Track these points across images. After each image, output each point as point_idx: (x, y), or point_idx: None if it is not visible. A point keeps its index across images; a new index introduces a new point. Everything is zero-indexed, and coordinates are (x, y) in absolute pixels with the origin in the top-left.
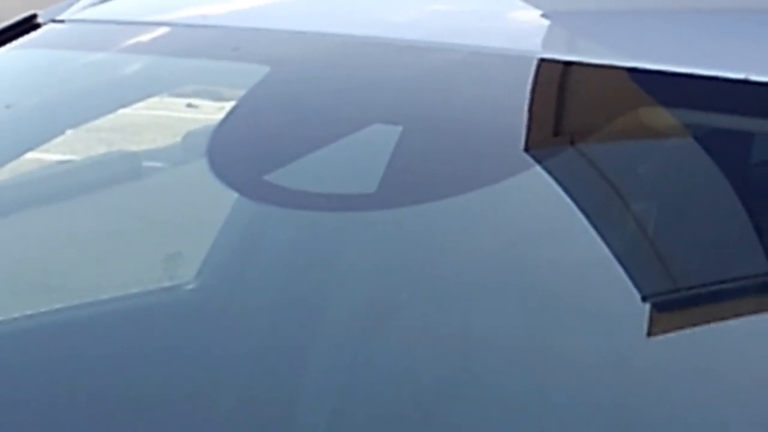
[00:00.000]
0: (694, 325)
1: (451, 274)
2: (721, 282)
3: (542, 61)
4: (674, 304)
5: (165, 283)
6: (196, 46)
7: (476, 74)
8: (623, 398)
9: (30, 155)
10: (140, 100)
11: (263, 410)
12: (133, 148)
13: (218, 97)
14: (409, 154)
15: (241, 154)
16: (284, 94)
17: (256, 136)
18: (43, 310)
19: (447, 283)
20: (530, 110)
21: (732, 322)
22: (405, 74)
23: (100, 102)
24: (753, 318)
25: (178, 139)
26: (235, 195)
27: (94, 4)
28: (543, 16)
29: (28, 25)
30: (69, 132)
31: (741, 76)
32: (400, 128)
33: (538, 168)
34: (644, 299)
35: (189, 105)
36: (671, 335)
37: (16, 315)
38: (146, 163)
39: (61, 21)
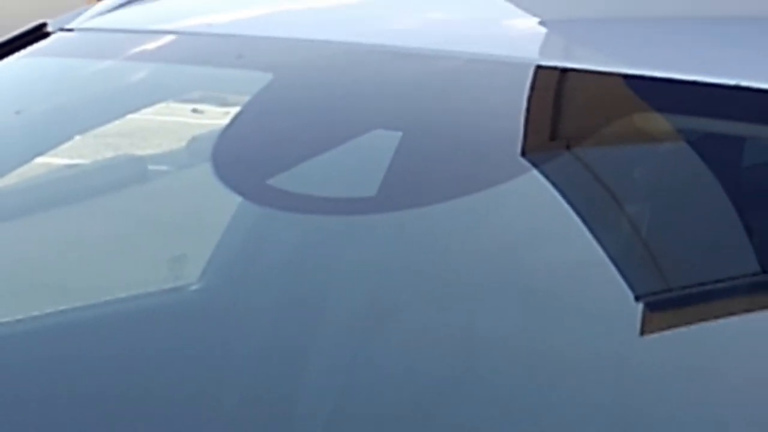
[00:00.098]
0: (688, 324)
1: (451, 275)
2: (714, 282)
3: (539, 67)
4: (669, 304)
5: (170, 284)
6: (202, 54)
7: (474, 81)
8: (621, 397)
9: (39, 160)
10: (147, 106)
11: (266, 410)
12: (140, 152)
13: (223, 103)
14: (408, 159)
15: (244, 158)
16: (287, 100)
17: (260, 141)
18: (51, 310)
19: (446, 284)
20: (527, 116)
21: (725, 322)
22: (405, 81)
23: (107, 108)
24: (745, 317)
25: (184, 143)
26: (239, 198)
27: (102, 14)
28: (540, 23)
29: (37, 33)
30: (77, 137)
31: (734, 82)
32: (400, 133)
33: (535, 172)
34: (639, 299)
35: (194, 110)
36: (666, 334)
37: (25, 315)
38: (152, 167)
39: (70, 30)
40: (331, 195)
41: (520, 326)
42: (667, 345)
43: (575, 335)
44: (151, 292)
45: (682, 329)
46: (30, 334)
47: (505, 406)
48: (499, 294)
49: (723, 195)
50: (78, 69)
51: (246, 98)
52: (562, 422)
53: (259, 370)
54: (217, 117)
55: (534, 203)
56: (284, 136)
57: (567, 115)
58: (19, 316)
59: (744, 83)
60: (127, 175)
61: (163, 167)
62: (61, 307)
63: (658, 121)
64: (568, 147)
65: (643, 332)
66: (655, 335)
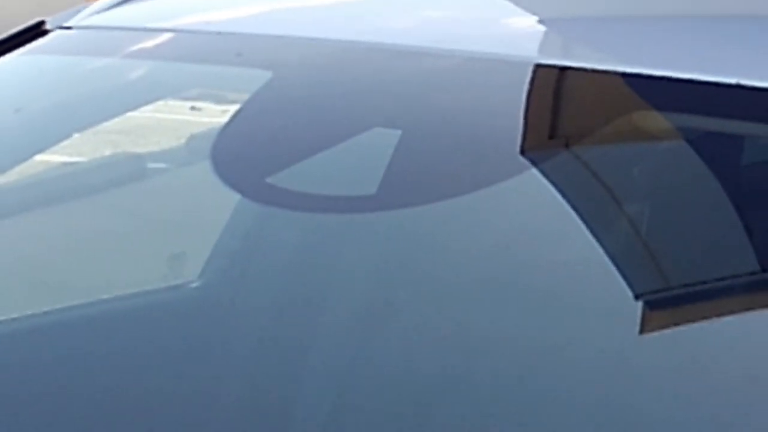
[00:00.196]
0: (687, 323)
1: (450, 274)
2: (714, 281)
3: (538, 66)
4: (668, 303)
5: (169, 282)
6: (201, 52)
7: (474, 79)
8: (620, 395)
9: (39, 157)
10: (146, 104)
11: (265, 408)
12: (139, 150)
13: (222, 101)
14: (408, 157)
15: (244, 156)
16: (286, 98)
17: (259, 139)
18: (51, 308)
19: (446, 282)
20: (526, 114)
21: (724, 320)
22: (404, 79)
23: (106, 106)
24: (745, 316)
25: (183, 141)
26: (238, 196)
27: (100, 11)
28: (539, 22)
29: (36, 31)
30: (76, 135)
31: (733, 80)
32: (399, 132)
33: (534, 170)
34: (639, 298)
35: (192, 108)
36: (665, 333)
37: (25, 313)
38: (151, 165)
39: (69, 27)
40: (331, 193)
41: (520, 324)
42: (666, 344)
43: (575, 334)
44: (150, 289)
45: (681, 328)
46: (30, 332)
47: (505, 404)
48: (499, 292)
49: (722, 194)
50: (77, 67)
51: (245, 96)
52: (561, 421)
53: (258, 367)
54: (216, 115)
55: (533, 201)
56: (283, 134)
57: (566, 113)
58: (19, 314)
59: (743, 82)
60: (126, 172)
61: (162, 165)
62: (61, 305)
63: (658, 120)
64: (567, 145)
65: (642, 331)
66: (654, 334)
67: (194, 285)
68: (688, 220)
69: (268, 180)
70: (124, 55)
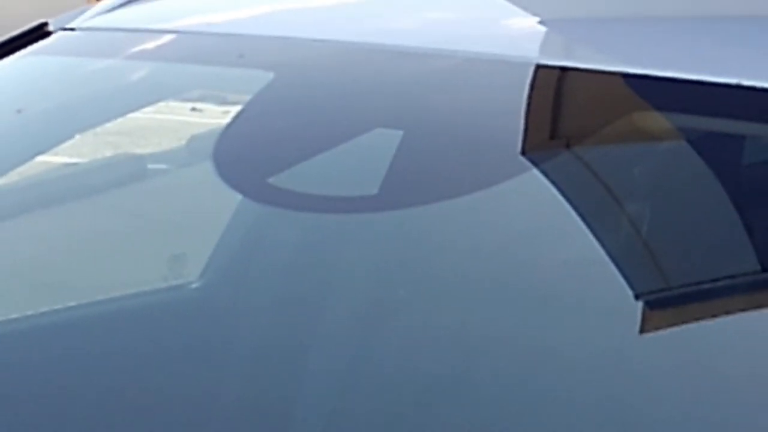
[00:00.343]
0: (688, 323)
1: (452, 274)
2: (714, 281)
3: (539, 66)
4: (668, 303)
5: (170, 282)
6: (203, 53)
7: (475, 80)
8: (621, 395)
9: (40, 158)
10: (147, 105)
11: (266, 408)
12: (141, 151)
13: (223, 102)
14: (409, 158)
15: (245, 157)
16: (288, 99)
17: (261, 140)
18: (52, 308)
19: (447, 282)
20: (527, 115)
21: (724, 320)
22: (406, 80)
23: (108, 107)
24: (745, 316)
25: (184, 142)
26: (240, 197)
27: (102, 13)
28: (540, 23)
29: (39, 32)
30: (78, 136)
31: (733, 80)
32: (401, 132)
33: (535, 171)
34: (639, 298)
35: (194, 109)
36: (665, 333)
37: (26, 313)
38: (153, 166)
39: (71, 29)
40: (333, 194)
41: (521, 324)
42: (666, 344)
43: (575, 334)
44: (151, 290)
45: (682, 327)
46: (31, 332)
47: (505, 404)
48: (500, 292)
49: (723, 194)
50: (79, 68)
51: (247, 97)
52: (562, 420)
53: (259, 367)
54: (218, 116)
55: (534, 202)
56: (285, 134)
57: (567, 113)
58: (20, 314)
59: (744, 82)
60: (127, 173)
61: (164, 166)
62: (63, 305)
63: (658, 120)
64: (568, 146)
65: (642, 331)
66: (655, 334)
67: (195, 285)
68: (688, 220)
69: (270, 180)
70: (127, 56)
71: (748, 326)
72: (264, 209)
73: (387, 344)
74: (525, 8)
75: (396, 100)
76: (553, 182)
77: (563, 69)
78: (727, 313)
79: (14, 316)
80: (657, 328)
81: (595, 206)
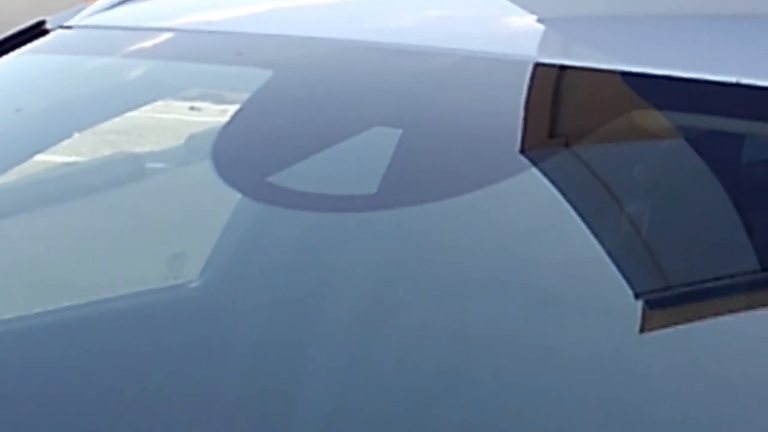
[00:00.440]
0: (687, 322)
1: (450, 273)
2: (714, 280)
3: (538, 65)
4: (668, 302)
5: (169, 281)
6: (201, 51)
7: (474, 78)
8: (620, 394)
9: (38, 157)
10: (145, 104)
11: (265, 407)
12: (139, 150)
13: (221, 101)
14: (408, 156)
15: (244, 156)
16: (286, 97)
17: (259, 139)
18: (50, 307)
19: (446, 281)
20: (526, 113)
21: (724, 319)
22: (405, 78)
23: (106, 105)
24: (745, 315)
25: (183, 141)
26: (239, 196)
27: (100, 11)
28: (539, 21)
29: (36, 31)
30: (76, 135)
31: (732, 79)
32: (400, 131)
33: (534, 169)
34: (639, 297)
35: (192, 108)
36: (665, 332)
37: (24, 312)
38: (151, 165)
39: (69, 27)
40: (331, 192)
41: (520, 323)
42: (666, 343)
43: (575, 333)
44: (151, 289)
45: (681, 327)
46: (30, 331)
47: (505, 403)
48: (499, 291)
49: (722, 192)
50: (77, 66)
51: (246, 95)
52: (561, 420)
53: (258, 366)
54: (216, 114)
55: (533, 200)
56: (284, 133)
57: (566, 112)
58: (19, 313)
59: (743, 80)
60: (126, 172)
61: (162, 165)
62: (61, 304)
63: (657, 119)
64: (567, 144)
65: (642, 330)
66: (654, 333)
67: (195, 284)
68: (688, 219)
69: (269, 179)
70: (124, 54)
71: (748, 326)
72: (263, 208)
73: (386, 343)
74: (524, 6)
75: (395, 98)
76: (553, 181)
77: (562, 67)
78: (727, 312)
79: (13, 315)
80: (656, 328)
81: (594, 205)
